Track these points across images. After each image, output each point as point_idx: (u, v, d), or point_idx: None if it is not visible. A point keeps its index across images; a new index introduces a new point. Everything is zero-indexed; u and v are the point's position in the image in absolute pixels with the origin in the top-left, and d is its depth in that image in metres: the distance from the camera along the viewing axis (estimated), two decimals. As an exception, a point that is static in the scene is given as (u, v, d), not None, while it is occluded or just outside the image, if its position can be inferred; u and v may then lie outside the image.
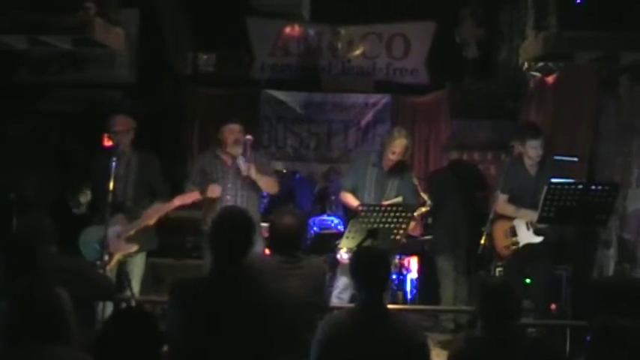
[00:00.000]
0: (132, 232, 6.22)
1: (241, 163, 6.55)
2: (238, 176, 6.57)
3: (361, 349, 3.84)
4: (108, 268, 5.95)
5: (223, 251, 3.88)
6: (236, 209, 4.84)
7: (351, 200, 6.71)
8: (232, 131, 6.61)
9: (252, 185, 6.59)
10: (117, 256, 6.13)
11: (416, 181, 6.71)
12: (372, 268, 4.04)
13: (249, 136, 6.52)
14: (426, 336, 4.24)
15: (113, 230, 6.08)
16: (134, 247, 6.25)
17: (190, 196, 6.41)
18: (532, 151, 6.58)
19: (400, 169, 6.76)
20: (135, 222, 6.25)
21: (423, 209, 6.66)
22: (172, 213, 6.76)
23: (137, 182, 6.42)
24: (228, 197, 6.60)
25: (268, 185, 6.77)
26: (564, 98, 7.77)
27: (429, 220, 8.15)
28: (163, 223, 6.61)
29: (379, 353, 3.84)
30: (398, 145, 6.58)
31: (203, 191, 6.55)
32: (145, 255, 6.63)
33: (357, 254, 4.40)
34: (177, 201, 6.35)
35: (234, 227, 3.92)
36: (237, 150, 6.59)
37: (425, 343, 4.08)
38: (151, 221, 6.31)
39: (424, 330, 5.21)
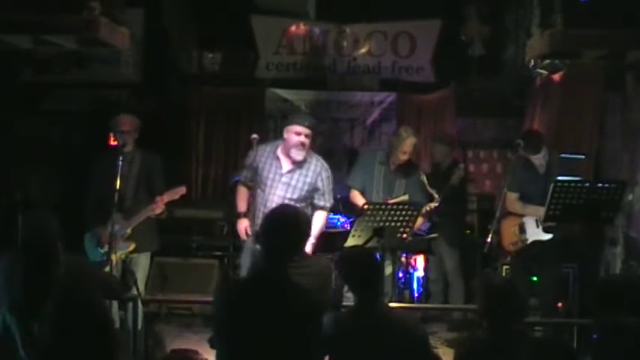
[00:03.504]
0: (129, 231, 6.21)
1: None
2: (289, 187, 6.00)
3: (363, 344, 3.85)
4: (112, 267, 5.93)
5: (272, 252, 3.73)
6: (287, 208, 4.41)
7: (359, 199, 6.72)
8: (299, 133, 5.93)
9: (304, 198, 6.07)
10: (117, 255, 6.08)
11: (424, 178, 6.74)
12: (359, 269, 4.05)
13: (254, 135, 6.52)
14: (426, 330, 4.23)
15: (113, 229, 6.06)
16: (131, 246, 6.22)
17: (178, 191, 6.32)
18: (536, 161, 6.61)
19: (407, 167, 6.80)
20: (130, 220, 6.23)
21: (432, 205, 6.66)
22: (178, 213, 6.74)
23: (137, 181, 6.39)
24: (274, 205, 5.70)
25: None
26: (570, 96, 7.76)
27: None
28: (169, 222, 6.59)
29: (381, 348, 3.85)
30: (408, 145, 6.68)
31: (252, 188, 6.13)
32: (149, 256, 6.62)
33: (342, 258, 4.39)
34: (166, 197, 6.28)
35: (284, 227, 3.77)
36: (299, 155, 5.95)
37: (425, 337, 4.11)
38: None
39: (430, 329, 5.21)
